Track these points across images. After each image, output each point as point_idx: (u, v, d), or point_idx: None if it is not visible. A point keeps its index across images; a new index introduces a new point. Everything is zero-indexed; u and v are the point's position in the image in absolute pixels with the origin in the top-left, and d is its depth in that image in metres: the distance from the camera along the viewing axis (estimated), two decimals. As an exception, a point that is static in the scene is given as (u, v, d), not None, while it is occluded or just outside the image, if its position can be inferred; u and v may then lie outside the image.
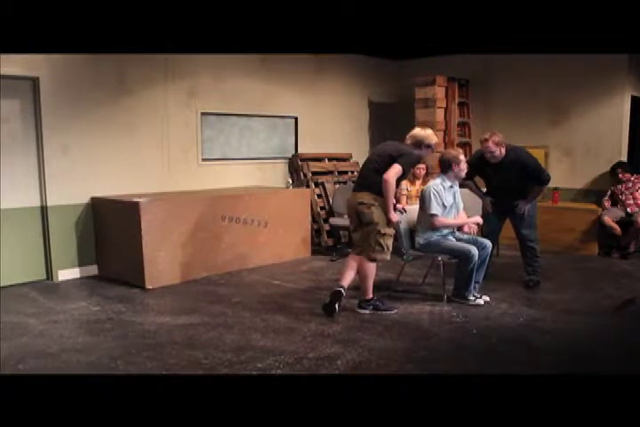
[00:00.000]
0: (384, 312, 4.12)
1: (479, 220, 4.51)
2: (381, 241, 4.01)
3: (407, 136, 4.18)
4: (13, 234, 4.82)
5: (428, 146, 4.15)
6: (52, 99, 4.86)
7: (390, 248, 4.11)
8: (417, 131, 4.19)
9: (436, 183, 4.34)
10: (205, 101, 5.96)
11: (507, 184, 4.69)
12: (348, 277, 4.13)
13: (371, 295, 4.16)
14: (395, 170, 3.91)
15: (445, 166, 4.35)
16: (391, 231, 4.10)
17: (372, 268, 4.11)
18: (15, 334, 3.66)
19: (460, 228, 4.51)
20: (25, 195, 4.88)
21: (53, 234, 5.02)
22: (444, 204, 4.31)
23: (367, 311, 4.12)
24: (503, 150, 4.61)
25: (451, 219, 4.41)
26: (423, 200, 4.35)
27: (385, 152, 4.07)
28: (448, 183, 4.36)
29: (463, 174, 4.42)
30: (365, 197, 4.00)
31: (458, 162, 4.31)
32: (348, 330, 3.77)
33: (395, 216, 4.04)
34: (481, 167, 4.76)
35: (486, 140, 4.58)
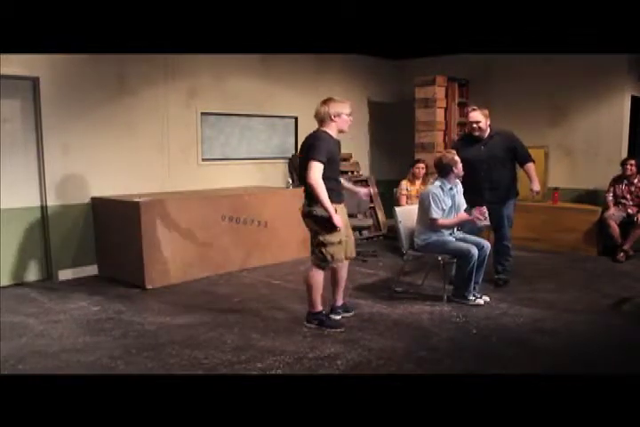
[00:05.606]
0: (330, 330, 3.70)
1: (484, 209, 4.25)
2: (323, 250, 3.59)
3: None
4: (13, 234, 4.82)
5: (337, 115, 3.54)
6: (52, 99, 4.86)
7: (335, 257, 3.62)
8: (316, 107, 3.60)
9: (436, 187, 4.33)
10: (205, 101, 5.96)
11: (490, 173, 4.61)
12: (334, 289, 3.93)
13: (318, 308, 3.76)
14: (312, 169, 3.41)
15: (447, 170, 4.31)
16: (333, 239, 3.57)
17: (316, 277, 3.68)
18: (15, 334, 3.65)
19: (472, 223, 4.35)
20: (25, 195, 4.88)
21: (53, 234, 5.02)
22: (442, 208, 4.29)
23: (312, 326, 3.75)
24: (488, 124, 4.64)
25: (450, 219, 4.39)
26: (422, 203, 4.35)
27: (302, 150, 3.63)
28: (448, 186, 4.35)
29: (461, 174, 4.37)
30: (303, 206, 3.63)
31: (456, 164, 4.30)
32: (348, 330, 3.76)
33: (337, 221, 3.48)
34: (464, 149, 4.61)
35: (474, 109, 4.65)
